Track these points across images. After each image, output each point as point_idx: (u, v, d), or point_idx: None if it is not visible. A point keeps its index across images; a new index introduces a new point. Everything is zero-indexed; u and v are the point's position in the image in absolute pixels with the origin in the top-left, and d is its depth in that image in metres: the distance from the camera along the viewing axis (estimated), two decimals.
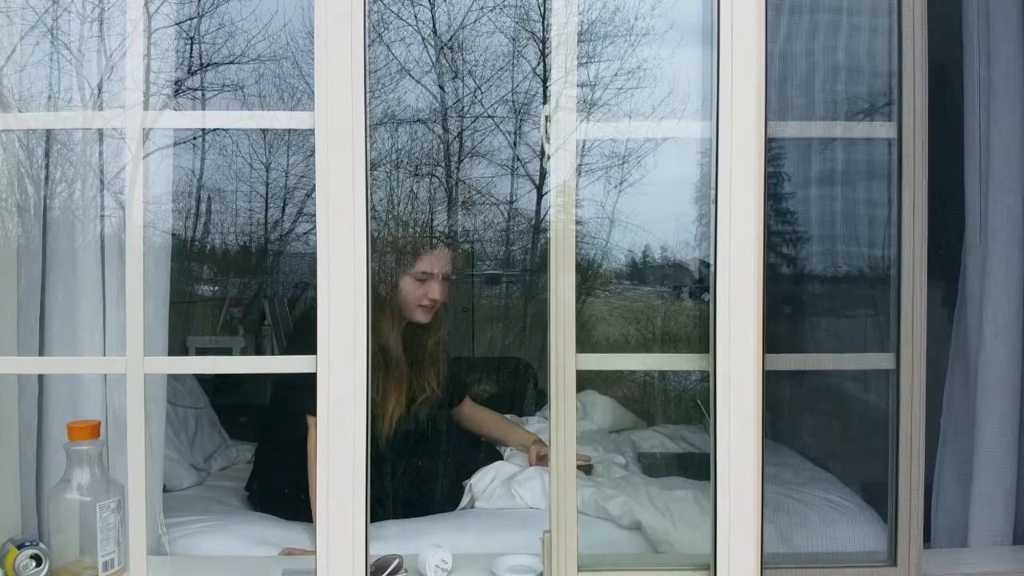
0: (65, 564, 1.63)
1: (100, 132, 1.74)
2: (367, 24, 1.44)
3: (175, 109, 1.70)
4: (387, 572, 1.63)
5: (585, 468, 2.30)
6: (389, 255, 2.24)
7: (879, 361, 1.70)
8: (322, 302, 1.45)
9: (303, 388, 1.52)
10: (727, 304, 1.50)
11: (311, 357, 1.46)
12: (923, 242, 1.65)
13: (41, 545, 1.62)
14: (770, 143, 1.52)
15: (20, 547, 1.60)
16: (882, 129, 1.69)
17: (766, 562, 1.54)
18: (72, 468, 1.62)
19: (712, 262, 1.51)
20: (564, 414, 1.58)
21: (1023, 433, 1.87)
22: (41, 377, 1.79)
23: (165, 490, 2.02)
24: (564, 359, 1.58)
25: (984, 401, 1.85)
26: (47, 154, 1.80)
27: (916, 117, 1.64)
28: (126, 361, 1.49)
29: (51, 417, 1.79)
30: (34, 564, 1.60)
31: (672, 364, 1.73)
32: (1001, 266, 1.83)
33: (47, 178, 1.80)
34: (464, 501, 2.22)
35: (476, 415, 2.56)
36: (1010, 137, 1.81)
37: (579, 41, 1.56)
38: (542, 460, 2.29)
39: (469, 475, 2.27)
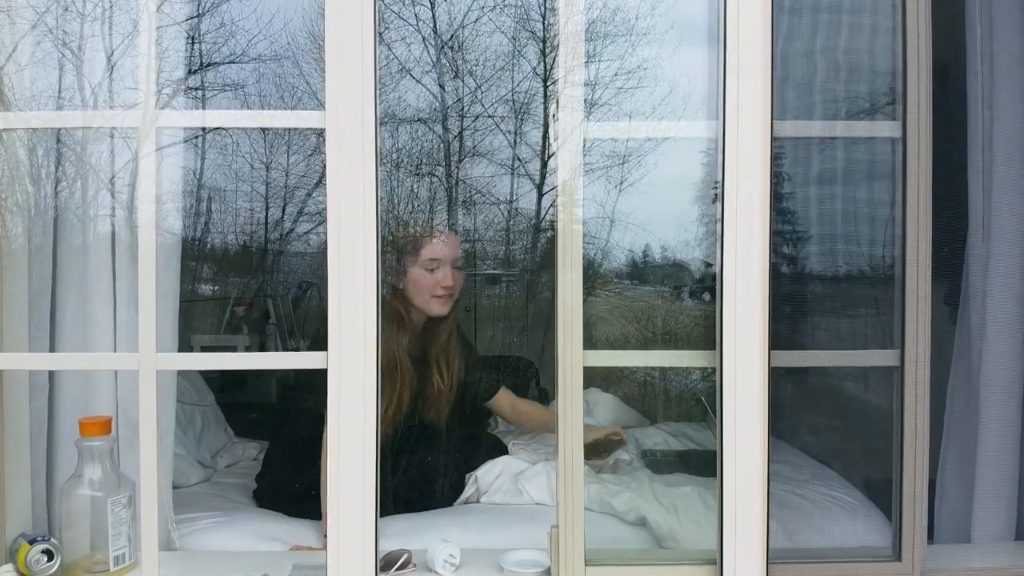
0: (76, 559, 1.64)
1: (111, 132, 1.74)
2: (376, 25, 1.46)
3: (182, 108, 1.71)
4: (396, 566, 1.64)
5: (617, 443, 2.35)
6: (389, 254, 2.24)
7: (883, 358, 1.70)
8: (332, 299, 1.46)
9: (316, 387, 1.53)
10: (733, 300, 1.51)
11: (322, 353, 1.47)
12: (927, 240, 1.66)
13: (53, 540, 1.62)
14: (773, 142, 1.53)
15: (32, 542, 1.61)
16: (887, 128, 1.69)
17: (771, 558, 1.55)
18: (84, 464, 1.63)
19: (719, 259, 1.52)
20: (572, 410, 1.59)
21: None
22: (52, 375, 1.79)
23: (173, 487, 2.02)
24: (572, 355, 1.59)
25: (987, 398, 1.85)
26: (57, 153, 1.81)
27: (920, 116, 1.65)
28: (139, 357, 1.50)
29: (62, 415, 1.79)
30: (46, 559, 1.60)
31: (678, 361, 1.74)
32: (1004, 264, 1.83)
33: (57, 177, 1.80)
34: (468, 493, 2.21)
35: (520, 407, 2.54)
36: (1013, 136, 1.82)
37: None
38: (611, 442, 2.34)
39: (471, 469, 2.27)
